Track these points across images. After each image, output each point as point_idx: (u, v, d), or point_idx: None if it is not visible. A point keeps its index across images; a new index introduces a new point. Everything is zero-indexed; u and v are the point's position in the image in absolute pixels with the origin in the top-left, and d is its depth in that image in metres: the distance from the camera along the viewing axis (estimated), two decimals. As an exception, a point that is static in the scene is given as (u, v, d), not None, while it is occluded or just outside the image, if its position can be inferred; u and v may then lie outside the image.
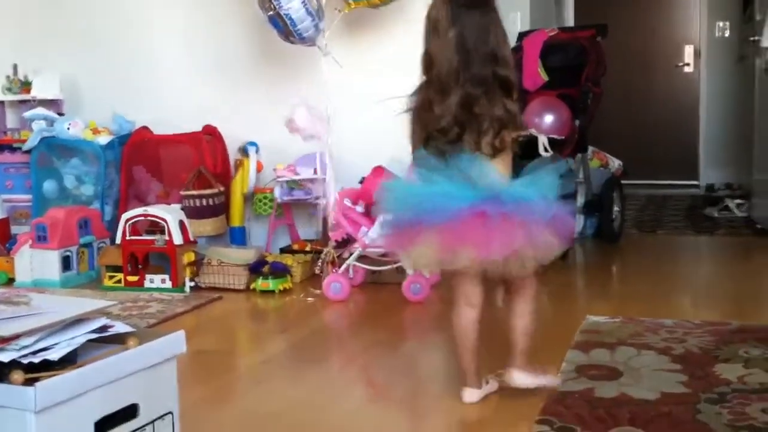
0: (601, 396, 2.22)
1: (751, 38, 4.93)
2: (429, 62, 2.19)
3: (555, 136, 4.26)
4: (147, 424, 1.65)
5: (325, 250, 3.71)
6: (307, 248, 4.04)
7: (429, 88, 2.18)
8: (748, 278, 3.78)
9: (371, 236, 3.46)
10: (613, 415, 2.08)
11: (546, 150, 4.06)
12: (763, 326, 2.82)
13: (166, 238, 3.66)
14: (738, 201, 5.66)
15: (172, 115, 4.40)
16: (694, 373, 2.37)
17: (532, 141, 3.98)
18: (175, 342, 1.75)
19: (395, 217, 2.20)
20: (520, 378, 2.24)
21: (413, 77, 4.06)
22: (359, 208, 3.59)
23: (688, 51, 7.40)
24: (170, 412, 1.73)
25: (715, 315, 3.04)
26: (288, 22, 3.60)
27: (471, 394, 2.23)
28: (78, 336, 1.60)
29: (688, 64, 7.40)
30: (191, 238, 3.78)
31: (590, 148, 4.85)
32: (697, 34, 7.34)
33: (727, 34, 7.16)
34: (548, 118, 4.42)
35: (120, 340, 1.67)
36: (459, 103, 2.11)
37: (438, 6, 2.17)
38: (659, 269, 4.02)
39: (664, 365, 2.45)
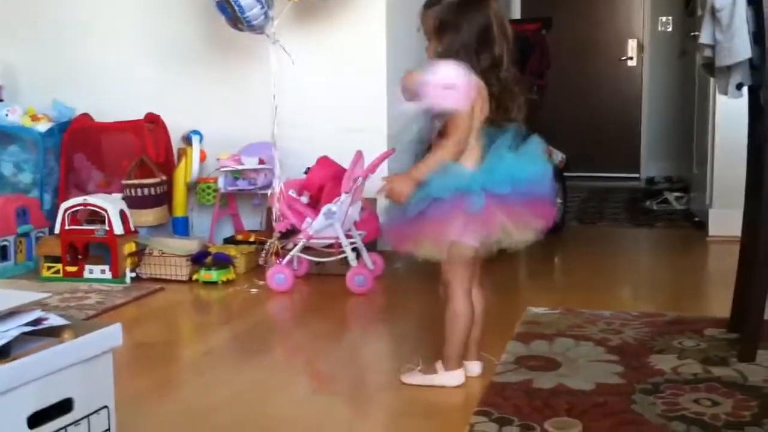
0: (540, 387, 2.25)
1: (692, 33, 5.03)
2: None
3: (499, 129, 4.30)
4: (82, 419, 1.63)
5: (269, 241, 3.70)
6: (251, 239, 4.02)
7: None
8: (685, 270, 3.87)
9: (315, 227, 3.46)
10: (551, 405, 2.12)
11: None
12: (697, 317, 2.88)
13: (107, 228, 3.60)
14: (677, 194, 5.78)
15: (113, 102, 4.33)
16: (630, 363, 2.42)
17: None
18: (112, 335, 1.73)
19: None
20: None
21: (361, 68, 4.09)
22: (304, 199, 3.58)
23: (632, 45, 7.52)
24: (106, 406, 1.71)
25: (651, 306, 3.10)
26: (236, 8, 3.55)
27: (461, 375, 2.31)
28: (11, 329, 1.58)
29: (631, 58, 7.53)
30: (132, 228, 3.73)
31: (534, 141, 4.89)
32: (641, 29, 7.47)
33: (669, 28, 7.30)
34: (493, 111, 4.46)
35: (55, 333, 1.65)
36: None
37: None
38: (600, 261, 4.10)
39: (601, 356, 2.50)
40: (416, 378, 2.32)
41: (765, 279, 2.34)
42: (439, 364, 2.31)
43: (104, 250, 3.65)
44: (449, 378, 2.29)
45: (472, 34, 2.17)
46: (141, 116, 4.18)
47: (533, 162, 2.19)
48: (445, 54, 2.17)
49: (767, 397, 2.14)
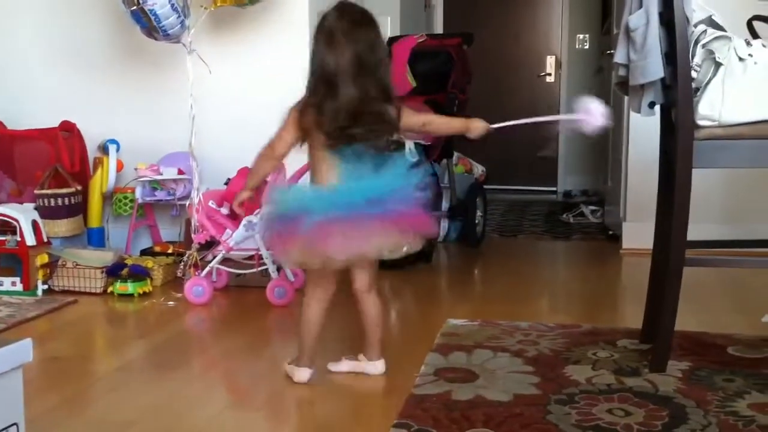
0: (458, 398, 2.27)
1: (608, 51, 5.17)
2: (324, 68, 2.25)
3: (422, 142, 4.33)
4: (-12, 437, 1.58)
5: (188, 252, 3.64)
6: (170, 250, 3.95)
7: (321, 89, 2.26)
8: (600, 282, 3.96)
9: (235, 239, 3.42)
10: (468, 417, 2.13)
11: (413, 155, 4.13)
12: (611, 329, 2.95)
13: (18, 238, 3.50)
14: (592, 207, 5.92)
15: (27, 109, 4.21)
16: (546, 374, 2.46)
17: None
18: (21, 350, 1.67)
19: (282, 214, 2.31)
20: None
21: (280, 77, 4.06)
22: (224, 210, 3.54)
23: (550, 61, 7.69)
24: (15, 424, 1.65)
25: (567, 318, 3.16)
26: (153, 18, 3.50)
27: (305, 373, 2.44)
28: None
29: (549, 74, 7.69)
30: (45, 239, 3.63)
31: (455, 154, 4.96)
32: (559, 46, 7.64)
33: (586, 46, 7.49)
34: (415, 124, 4.49)
35: (-40, 348, 1.59)
36: (351, 106, 2.23)
37: (333, 19, 2.27)
38: (518, 273, 4.16)
39: (518, 367, 2.54)
40: (340, 366, 2.53)
41: (675, 291, 2.41)
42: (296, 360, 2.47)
43: (15, 261, 3.54)
44: (299, 373, 2.44)
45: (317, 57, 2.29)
46: (56, 124, 4.07)
47: (393, 179, 2.27)
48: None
49: (678, 406, 2.20)
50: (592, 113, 2.34)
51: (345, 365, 2.52)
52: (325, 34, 2.26)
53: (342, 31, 2.24)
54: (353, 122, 2.24)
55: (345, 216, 2.20)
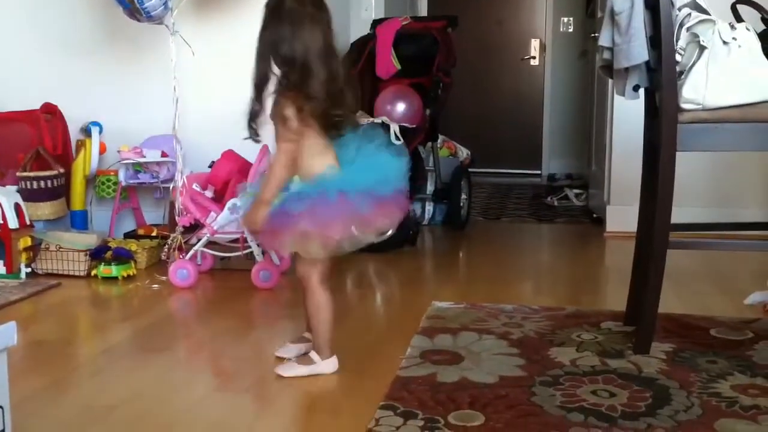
0: (443, 381, 2.28)
1: (593, 35, 5.17)
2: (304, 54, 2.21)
3: (406, 125, 4.33)
4: (-27, 421, 1.57)
5: (172, 235, 3.62)
6: (154, 233, 3.93)
7: (303, 76, 2.21)
8: (584, 265, 3.98)
9: (220, 222, 3.41)
10: (454, 399, 2.15)
11: (398, 138, 4.13)
12: (595, 311, 2.97)
13: (0, 221, 3.47)
14: (576, 191, 5.94)
15: (8, 91, 4.16)
16: (531, 356, 2.48)
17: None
18: (6, 334, 1.66)
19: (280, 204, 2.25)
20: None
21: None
22: (208, 193, 3.52)
23: (534, 44, 7.68)
24: (0, 407, 1.65)
25: (552, 300, 3.18)
26: (135, -1, 3.47)
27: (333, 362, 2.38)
28: None
29: (534, 57, 7.69)
30: (28, 222, 3.61)
31: (440, 137, 4.96)
32: (543, 29, 7.63)
33: (571, 29, 7.48)
34: (400, 107, 4.50)
35: (-56, 332, 1.58)
36: (334, 88, 2.22)
37: (294, 2, 2.24)
38: (502, 256, 4.17)
39: (503, 349, 2.55)
40: (294, 370, 2.37)
41: (659, 273, 2.42)
42: (314, 354, 2.37)
43: (-2, 244, 3.52)
44: (325, 366, 2.36)
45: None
46: (37, 106, 4.03)
47: (386, 163, 2.27)
48: None
49: (661, 388, 2.22)
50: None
51: (297, 369, 2.38)
52: (292, 17, 2.21)
53: (309, 14, 2.21)
54: (335, 105, 2.23)
55: (345, 200, 2.18)
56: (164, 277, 3.48)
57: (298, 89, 2.21)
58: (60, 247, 3.55)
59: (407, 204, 2.38)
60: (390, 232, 2.34)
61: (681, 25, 2.41)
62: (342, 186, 2.20)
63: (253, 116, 2.30)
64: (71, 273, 3.53)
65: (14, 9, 4.28)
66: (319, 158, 2.26)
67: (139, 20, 3.61)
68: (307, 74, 2.20)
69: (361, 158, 2.25)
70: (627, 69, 2.47)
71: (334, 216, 2.17)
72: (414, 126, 4.37)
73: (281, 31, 2.21)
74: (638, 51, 2.40)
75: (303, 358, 2.40)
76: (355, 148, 2.27)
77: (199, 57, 3.82)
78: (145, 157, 3.93)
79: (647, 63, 2.43)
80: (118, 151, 3.97)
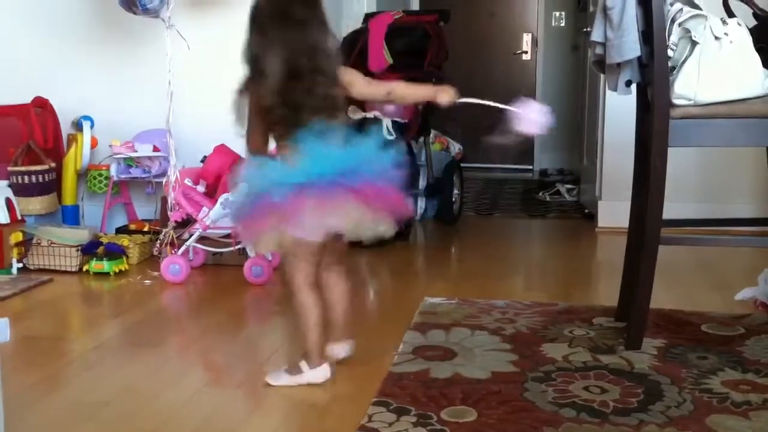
0: (436, 376, 2.28)
1: (584, 29, 5.17)
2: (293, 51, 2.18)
3: (399, 119, 4.33)
4: (-36, 418, 1.56)
5: (164, 230, 3.61)
6: (145, 228, 3.92)
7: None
8: (576, 260, 3.98)
9: (212, 217, 3.41)
10: (446, 394, 2.15)
11: (390, 133, 4.12)
12: (587, 307, 2.98)
13: (-9, 216, 3.46)
14: (568, 186, 5.95)
15: (-2, 85, 4.15)
16: (523, 352, 2.48)
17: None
18: (-3, 330, 1.66)
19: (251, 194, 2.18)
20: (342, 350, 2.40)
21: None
22: (200, 188, 3.52)
23: (527, 39, 7.67)
24: (-9, 404, 1.64)
25: (544, 296, 3.18)
26: (132, -9, 3.45)
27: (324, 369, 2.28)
28: None
29: (525, 52, 7.68)
30: (19, 217, 3.59)
31: (432, 132, 4.95)
32: (535, 23, 7.62)
33: (563, 23, 7.47)
34: (392, 102, 4.48)
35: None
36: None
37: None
38: (494, 251, 4.17)
39: (496, 345, 2.55)
40: (282, 379, 2.29)
41: (650, 269, 2.43)
42: (303, 363, 2.28)
43: (-12, 239, 3.51)
44: (314, 375, 2.27)
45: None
46: (28, 100, 4.01)
47: (365, 151, 2.16)
48: None
49: (653, 384, 2.23)
50: (535, 116, 2.32)
51: (284, 379, 2.29)
52: (253, 17, 2.23)
53: (279, 12, 2.20)
54: (296, 103, 2.17)
55: (316, 188, 2.07)
56: (156, 273, 3.48)
57: (254, 86, 2.23)
58: (52, 243, 3.53)
59: (404, 202, 2.26)
60: (382, 229, 2.18)
61: (673, 21, 2.41)
62: (306, 177, 2.08)
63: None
64: (63, 268, 3.52)
65: (7, 2, 4.26)
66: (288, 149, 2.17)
67: (134, 13, 3.59)
68: (259, 74, 2.19)
69: (337, 149, 2.14)
70: (619, 64, 2.47)
71: (299, 208, 2.06)
72: (406, 121, 4.37)
73: (248, 31, 2.25)
74: (630, 46, 2.40)
75: (293, 367, 2.30)
76: (338, 141, 2.17)
77: (194, 51, 3.80)
78: (136, 151, 3.92)
79: (639, 58, 2.43)
80: (110, 146, 3.96)
